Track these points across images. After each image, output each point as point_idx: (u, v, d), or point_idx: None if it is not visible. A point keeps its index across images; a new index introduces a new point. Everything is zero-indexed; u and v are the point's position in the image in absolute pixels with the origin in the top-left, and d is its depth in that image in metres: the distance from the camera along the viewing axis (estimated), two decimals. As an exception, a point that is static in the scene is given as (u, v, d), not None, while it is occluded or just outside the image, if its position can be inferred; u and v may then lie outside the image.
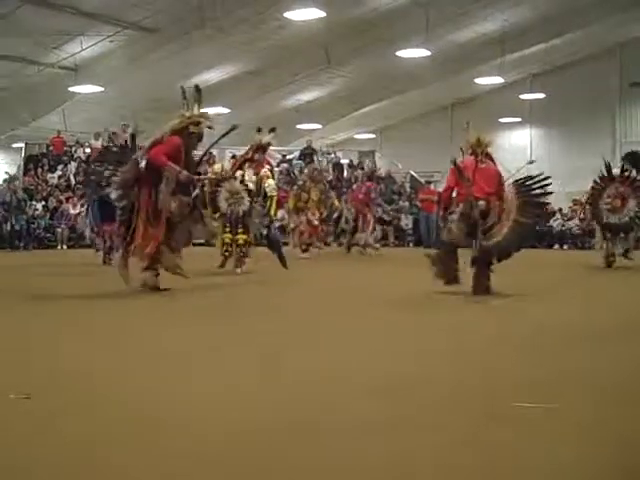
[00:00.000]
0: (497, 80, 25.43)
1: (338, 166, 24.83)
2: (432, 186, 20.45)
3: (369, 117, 29.20)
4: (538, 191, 7.71)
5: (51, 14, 18.29)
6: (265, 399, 3.44)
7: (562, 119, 27.24)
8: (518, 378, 3.86)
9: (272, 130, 10.98)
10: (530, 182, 7.74)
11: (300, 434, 2.93)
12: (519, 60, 24.89)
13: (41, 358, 4.43)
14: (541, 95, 27.10)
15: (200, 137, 7.86)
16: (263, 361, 4.31)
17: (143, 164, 7.59)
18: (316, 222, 14.97)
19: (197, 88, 8.00)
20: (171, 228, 7.69)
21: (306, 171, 16.75)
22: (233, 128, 8.71)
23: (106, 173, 7.72)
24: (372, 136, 32.05)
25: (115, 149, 7.93)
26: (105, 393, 3.54)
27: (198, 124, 7.73)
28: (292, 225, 15.25)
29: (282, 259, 10.44)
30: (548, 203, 8.22)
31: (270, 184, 10.83)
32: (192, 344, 4.90)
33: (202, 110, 7.93)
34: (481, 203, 7.44)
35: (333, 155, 25.96)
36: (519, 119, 28.46)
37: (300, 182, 15.81)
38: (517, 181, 7.81)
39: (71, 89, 21.58)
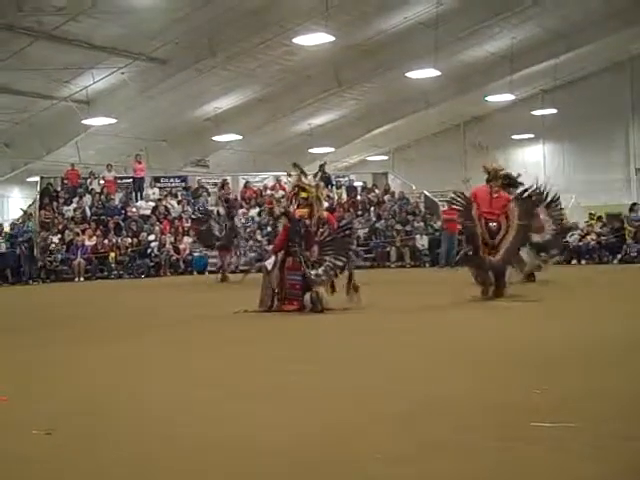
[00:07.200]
0: (508, 97, 25.44)
1: (352, 189, 24.79)
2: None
3: (381, 139, 29.30)
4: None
5: (62, 49, 18.53)
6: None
7: (575, 133, 27.17)
8: (538, 396, 3.78)
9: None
10: (525, 193, 8.92)
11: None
12: (529, 77, 24.91)
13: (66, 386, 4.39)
14: (553, 110, 27.00)
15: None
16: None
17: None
18: None
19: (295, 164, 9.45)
20: None
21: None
22: None
23: None
24: (384, 158, 32.10)
25: None
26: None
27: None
28: None
29: None
30: (538, 204, 9.36)
31: None
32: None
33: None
34: (492, 225, 8.41)
35: (346, 178, 25.94)
36: (532, 135, 28.43)
37: None
38: (516, 196, 8.82)
39: (84, 122, 21.80)
